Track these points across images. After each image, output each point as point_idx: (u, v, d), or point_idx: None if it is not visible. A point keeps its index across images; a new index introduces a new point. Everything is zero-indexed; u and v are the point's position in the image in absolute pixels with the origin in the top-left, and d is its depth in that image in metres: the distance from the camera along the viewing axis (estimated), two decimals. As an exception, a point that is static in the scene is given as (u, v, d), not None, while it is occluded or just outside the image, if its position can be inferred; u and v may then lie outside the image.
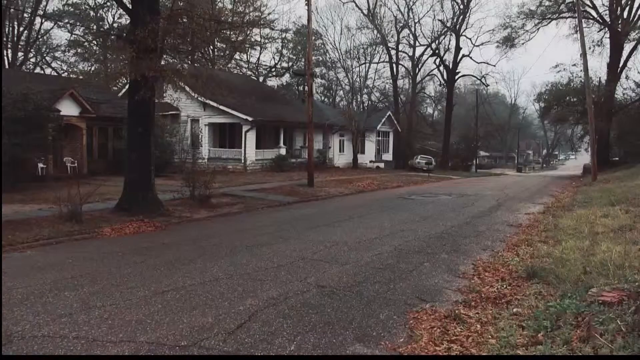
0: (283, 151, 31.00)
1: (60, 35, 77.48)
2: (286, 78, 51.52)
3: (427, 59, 49.71)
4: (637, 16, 34.43)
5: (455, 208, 14.53)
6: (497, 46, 43.44)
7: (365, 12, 44.58)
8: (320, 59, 48.11)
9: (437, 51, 47.97)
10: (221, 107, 27.62)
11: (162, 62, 12.73)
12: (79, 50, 40.83)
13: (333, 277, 6.46)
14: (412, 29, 47.43)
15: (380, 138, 42.51)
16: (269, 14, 45.58)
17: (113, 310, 5.11)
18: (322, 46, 47.92)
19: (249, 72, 49.07)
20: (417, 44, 48.50)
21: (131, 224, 10.75)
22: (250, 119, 28.22)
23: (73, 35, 38.04)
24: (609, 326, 3.66)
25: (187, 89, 24.23)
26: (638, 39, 34.67)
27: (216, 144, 31.03)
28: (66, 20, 34.70)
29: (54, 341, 4.29)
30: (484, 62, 63.01)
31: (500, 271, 6.72)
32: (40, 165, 19.69)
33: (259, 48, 47.49)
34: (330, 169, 33.90)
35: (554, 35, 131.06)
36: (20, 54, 39.93)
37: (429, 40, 48.06)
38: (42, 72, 40.92)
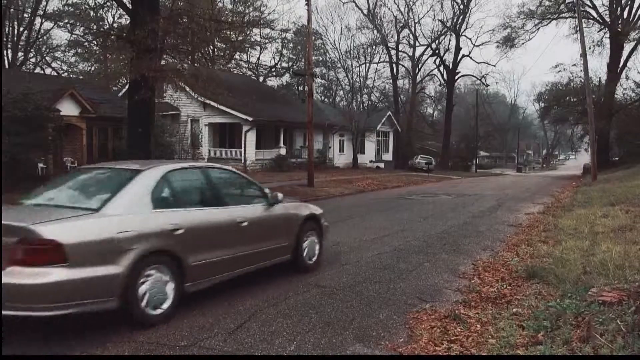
0: (283, 151, 31.01)
1: (60, 35, 77.34)
2: (286, 78, 51.57)
3: (427, 59, 49.78)
4: (637, 16, 34.46)
5: (455, 208, 14.53)
6: (497, 46, 43.55)
7: (365, 12, 44.64)
8: (320, 59, 48.12)
9: (437, 51, 48.02)
10: (221, 107, 27.64)
11: (162, 62, 12.74)
12: (79, 50, 40.82)
13: (333, 276, 6.46)
14: (412, 29, 47.49)
15: (380, 138, 42.52)
16: (269, 14, 45.71)
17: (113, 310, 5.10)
18: (322, 46, 47.94)
19: (249, 72, 49.08)
20: (417, 44, 48.56)
21: (131, 224, 10.73)
22: (250, 119, 28.23)
23: (73, 35, 38.02)
24: (609, 326, 3.66)
25: (187, 89, 24.26)
26: (638, 39, 34.66)
27: (216, 144, 31.04)
28: (66, 20, 34.66)
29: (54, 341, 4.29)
30: (484, 62, 62.63)
31: (500, 271, 6.72)
32: (40, 165, 19.69)
33: (259, 48, 47.55)
34: (330, 169, 33.91)
35: (554, 35, 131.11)
36: (20, 54, 39.93)
37: (429, 40, 48.12)
38: (42, 72, 40.91)
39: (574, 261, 6.16)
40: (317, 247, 6.93)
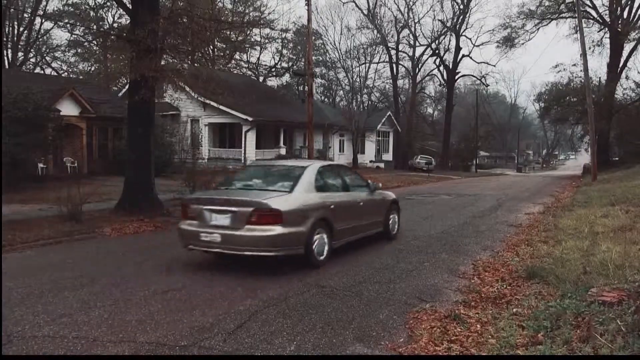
0: (283, 151, 31.00)
1: (60, 35, 77.31)
2: (286, 78, 51.58)
3: (427, 59, 49.83)
4: (637, 16, 34.42)
5: (455, 208, 14.52)
6: (497, 46, 43.49)
7: (365, 12, 44.71)
8: (320, 59, 48.15)
9: (437, 51, 48.05)
10: (221, 107, 27.64)
11: (162, 62, 12.71)
12: (79, 50, 40.81)
13: (333, 276, 6.46)
14: (412, 29, 47.56)
15: (380, 138, 42.53)
16: (269, 14, 45.78)
17: (113, 310, 5.11)
18: (322, 46, 47.97)
19: (249, 72, 49.08)
20: (417, 44, 48.63)
21: (131, 224, 10.74)
22: (250, 119, 28.23)
23: (73, 35, 38.00)
24: (609, 326, 3.66)
25: (187, 89, 24.26)
26: (638, 39, 34.62)
27: (216, 144, 31.05)
28: (66, 20, 34.64)
29: (54, 341, 4.29)
30: (484, 62, 62.79)
31: (500, 271, 6.72)
32: (40, 165, 19.69)
33: (259, 48, 47.53)
34: (330, 169, 33.85)
35: (554, 35, 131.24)
36: (20, 54, 39.92)
37: (429, 40, 48.18)
38: (42, 72, 40.91)
39: (574, 261, 6.16)
40: (397, 222, 9.53)
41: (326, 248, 7.09)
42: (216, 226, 6.66)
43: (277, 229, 6.41)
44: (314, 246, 6.82)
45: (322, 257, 6.98)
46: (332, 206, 7.35)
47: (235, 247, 6.58)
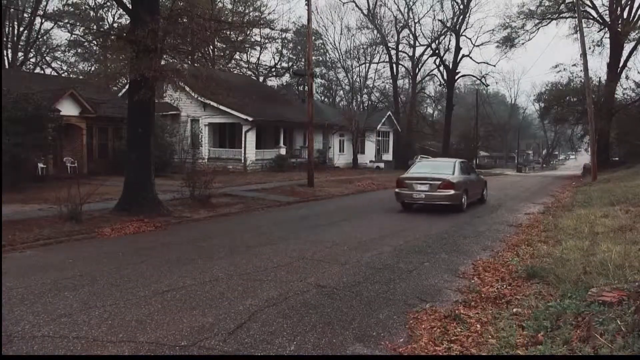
0: (283, 151, 30.98)
1: (60, 35, 77.53)
2: (286, 78, 51.53)
3: (427, 59, 49.67)
4: (637, 16, 34.36)
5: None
6: (497, 46, 43.34)
7: (365, 12, 44.61)
8: (320, 59, 48.13)
9: (437, 51, 47.93)
10: (221, 107, 27.62)
11: (162, 62, 12.70)
12: (79, 50, 40.79)
13: (333, 277, 6.46)
14: (412, 29, 47.40)
15: (380, 138, 42.48)
16: (269, 14, 45.67)
17: (113, 310, 5.11)
18: (322, 46, 47.94)
19: (249, 72, 49.06)
20: (417, 44, 48.47)
21: (131, 224, 10.74)
22: (250, 119, 28.20)
23: (73, 35, 38.00)
24: (609, 326, 3.66)
25: (187, 89, 24.22)
26: (638, 39, 34.57)
27: (216, 144, 31.02)
28: (66, 20, 34.65)
29: (54, 341, 4.30)
30: (484, 62, 63.21)
31: (500, 271, 6.73)
32: (40, 165, 19.68)
33: (259, 48, 47.53)
34: (330, 169, 33.88)
35: (554, 35, 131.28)
36: (20, 54, 39.90)
37: (429, 40, 48.02)
38: (42, 72, 40.88)
39: (574, 261, 6.16)
40: (487, 194, 16.34)
41: (465, 203, 13.59)
42: (420, 191, 13.21)
43: (452, 191, 12.98)
44: (463, 201, 13.38)
45: (464, 207, 13.43)
46: (467, 182, 13.99)
47: (432, 201, 13.11)
